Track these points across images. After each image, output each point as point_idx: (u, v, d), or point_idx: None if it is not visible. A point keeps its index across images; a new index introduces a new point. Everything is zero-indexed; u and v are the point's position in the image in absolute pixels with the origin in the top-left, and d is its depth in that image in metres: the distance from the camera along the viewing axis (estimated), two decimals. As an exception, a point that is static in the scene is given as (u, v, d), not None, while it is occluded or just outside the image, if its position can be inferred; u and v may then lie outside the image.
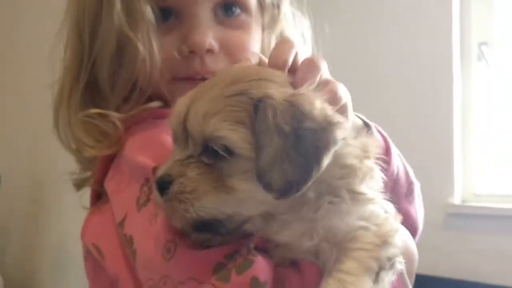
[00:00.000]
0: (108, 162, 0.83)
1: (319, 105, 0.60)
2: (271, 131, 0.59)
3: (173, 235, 0.66)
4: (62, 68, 0.89)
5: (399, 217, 0.70)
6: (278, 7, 0.91)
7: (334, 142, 0.59)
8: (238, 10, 0.86)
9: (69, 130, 0.86)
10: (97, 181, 0.84)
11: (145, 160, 0.75)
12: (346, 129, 0.61)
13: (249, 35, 0.87)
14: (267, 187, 0.59)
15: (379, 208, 0.66)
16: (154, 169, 0.71)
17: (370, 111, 0.85)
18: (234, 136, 0.60)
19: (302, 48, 0.91)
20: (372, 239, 0.64)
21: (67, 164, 0.92)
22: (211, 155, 0.61)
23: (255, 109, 0.60)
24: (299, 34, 0.95)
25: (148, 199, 0.72)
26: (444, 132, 2.30)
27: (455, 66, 2.31)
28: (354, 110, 0.71)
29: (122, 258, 0.76)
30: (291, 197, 0.60)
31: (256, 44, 0.89)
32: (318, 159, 0.59)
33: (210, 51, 0.82)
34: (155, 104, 0.84)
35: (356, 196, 0.64)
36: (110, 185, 0.81)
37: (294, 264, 0.65)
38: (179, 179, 0.61)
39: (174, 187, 0.61)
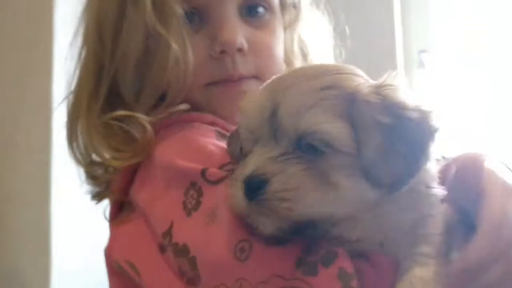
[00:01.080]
0: (132, 170, 0.76)
1: (409, 96, 0.61)
2: (371, 124, 0.58)
3: (245, 234, 0.63)
4: (77, 77, 0.82)
5: None
6: (298, 6, 0.91)
7: (436, 130, 0.60)
8: (262, 10, 0.84)
9: (89, 141, 0.79)
10: (121, 190, 0.77)
11: (186, 163, 0.71)
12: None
13: (274, 35, 0.85)
14: (376, 182, 0.58)
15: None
16: (203, 171, 0.69)
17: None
18: (334, 130, 0.58)
19: (322, 50, 0.96)
20: (441, 224, 0.63)
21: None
22: (307, 151, 0.58)
23: (349, 102, 0.59)
24: (319, 34, 0.96)
25: (198, 202, 0.69)
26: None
27: (399, 73, 2.35)
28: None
29: (163, 273, 0.70)
30: (401, 190, 0.59)
31: (280, 44, 0.87)
32: (424, 149, 0.59)
33: (240, 50, 0.80)
34: (183, 106, 0.79)
35: (428, 190, 0.64)
36: (141, 196, 0.75)
37: (363, 256, 0.62)
38: (276, 176, 0.57)
39: (273, 185, 0.57)
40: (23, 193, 2.01)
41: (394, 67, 2.37)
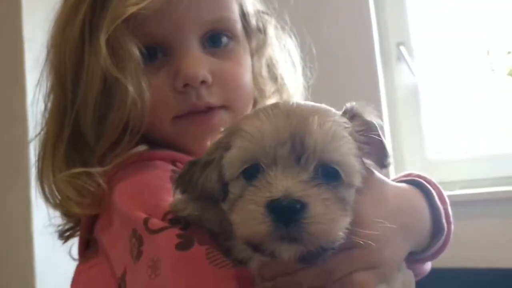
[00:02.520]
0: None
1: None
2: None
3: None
4: (45, 119, 0.84)
5: None
6: (264, 31, 0.91)
7: None
8: (225, 39, 0.84)
9: (53, 187, 0.81)
10: (85, 229, 0.79)
11: (133, 209, 0.71)
12: None
13: (240, 64, 0.85)
14: None
15: None
16: (146, 220, 0.69)
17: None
18: (357, 164, 0.61)
19: (292, 74, 0.96)
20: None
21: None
22: (325, 177, 0.59)
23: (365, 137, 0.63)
24: (287, 57, 0.96)
25: (139, 252, 0.69)
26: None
27: (378, 67, 2.34)
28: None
29: None
30: None
31: (247, 71, 0.87)
32: None
33: (204, 82, 0.80)
34: (142, 148, 0.79)
35: None
36: (103, 236, 0.76)
37: None
38: (315, 200, 0.57)
39: (315, 209, 0.56)
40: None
41: (372, 60, 2.37)
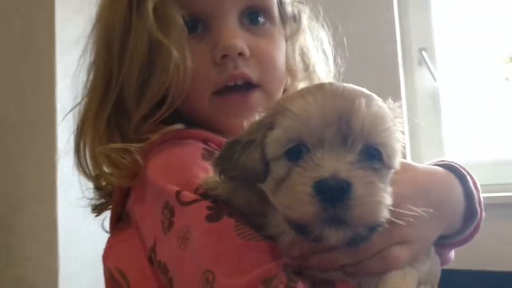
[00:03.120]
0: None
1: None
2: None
3: (210, 262, 0.64)
4: (87, 90, 0.86)
5: None
6: (299, 19, 0.93)
7: None
8: (263, 19, 0.86)
9: (92, 158, 0.84)
10: (118, 202, 0.81)
11: (165, 182, 0.73)
12: None
13: (275, 44, 0.87)
14: None
15: None
16: (178, 192, 0.70)
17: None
18: (399, 147, 0.62)
19: (323, 63, 0.99)
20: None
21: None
22: (369, 159, 0.59)
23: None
24: (319, 46, 0.98)
25: (170, 223, 0.70)
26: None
27: (400, 71, 2.36)
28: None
29: (149, 283, 0.72)
30: None
31: (282, 54, 0.89)
32: None
33: (241, 54, 0.82)
34: (178, 126, 0.81)
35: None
36: (135, 209, 0.78)
37: (329, 284, 0.63)
38: (361, 181, 0.57)
39: (361, 190, 0.56)
40: (31, 202, 2.04)
41: (394, 64, 2.39)
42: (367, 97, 0.62)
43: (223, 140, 0.78)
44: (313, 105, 0.60)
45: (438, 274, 0.76)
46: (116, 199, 0.83)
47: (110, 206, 0.86)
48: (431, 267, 0.72)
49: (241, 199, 0.69)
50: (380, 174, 0.60)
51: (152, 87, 0.81)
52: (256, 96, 0.85)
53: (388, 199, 0.59)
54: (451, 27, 2.32)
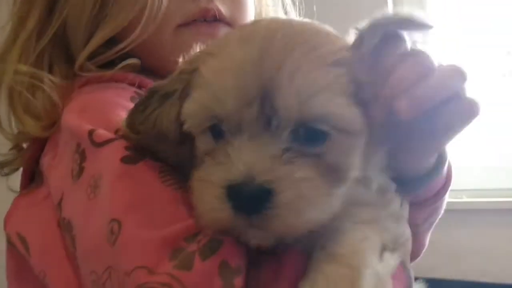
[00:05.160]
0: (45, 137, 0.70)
1: None
2: None
3: (119, 210, 0.52)
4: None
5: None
6: None
7: None
8: None
9: (10, 98, 0.72)
10: (31, 158, 0.70)
11: (79, 123, 0.62)
12: None
13: None
14: None
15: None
16: (91, 132, 0.59)
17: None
18: (348, 110, 0.48)
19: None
20: (379, 210, 0.54)
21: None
22: (306, 139, 0.48)
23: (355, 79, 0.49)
24: None
25: (81, 169, 0.59)
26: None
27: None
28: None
29: (55, 251, 0.60)
30: None
31: None
32: None
33: None
34: (134, 60, 0.72)
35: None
36: (45, 162, 0.68)
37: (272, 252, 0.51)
38: (286, 183, 0.45)
39: (285, 195, 0.45)
40: None
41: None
42: (304, 49, 0.49)
43: None
44: (230, 72, 0.48)
45: (409, 248, 0.64)
46: (30, 152, 0.72)
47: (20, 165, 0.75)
48: (400, 235, 0.59)
49: (168, 147, 0.57)
50: (325, 159, 0.48)
51: (111, 18, 0.71)
52: (224, 30, 0.77)
53: (331, 198, 0.48)
54: (446, 27, 2.25)
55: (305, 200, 0.46)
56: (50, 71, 0.72)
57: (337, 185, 0.49)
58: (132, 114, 0.57)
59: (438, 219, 0.69)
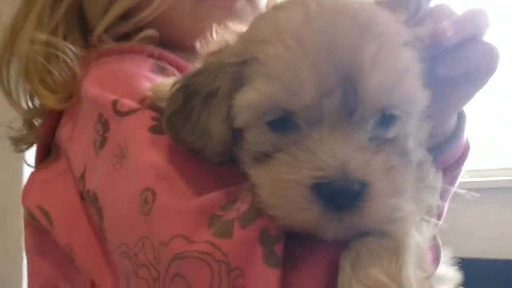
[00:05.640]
0: (61, 111, 0.68)
1: None
2: None
3: (151, 180, 0.50)
4: None
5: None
6: None
7: None
8: None
9: (25, 71, 0.69)
10: (47, 132, 0.68)
11: (100, 92, 0.60)
12: None
13: None
14: None
15: None
16: (115, 102, 0.58)
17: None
18: (420, 95, 0.47)
19: None
20: (418, 183, 0.51)
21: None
22: (383, 125, 0.46)
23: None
24: None
25: (104, 139, 0.57)
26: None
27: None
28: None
29: (80, 224, 0.58)
30: None
31: None
32: None
33: None
34: (151, 32, 0.71)
35: None
36: (62, 134, 0.66)
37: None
38: (378, 174, 0.43)
39: (380, 186, 0.43)
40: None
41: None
42: (378, 31, 0.46)
43: (177, 59, 0.67)
44: (301, 59, 0.43)
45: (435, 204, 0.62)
46: (45, 126, 0.70)
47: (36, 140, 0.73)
48: (434, 206, 0.57)
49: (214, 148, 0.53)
50: (400, 143, 0.47)
51: None
52: (242, 4, 0.75)
53: (410, 177, 0.46)
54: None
55: (396, 190, 0.45)
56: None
57: (410, 169, 0.48)
58: (174, 125, 0.52)
59: (454, 190, 0.65)
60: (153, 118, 0.56)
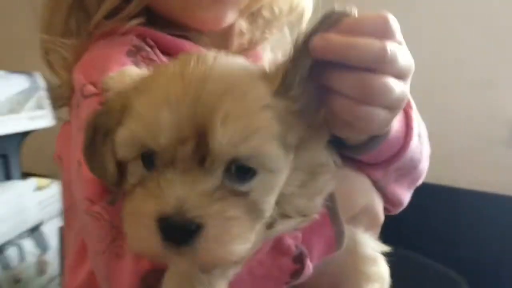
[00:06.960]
0: None
1: None
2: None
3: (79, 154, 0.59)
4: None
5: None
6: None
7: None
8: None
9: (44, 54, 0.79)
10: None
11: (81, 76, 0.69)
12: None
13: None
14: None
15: None
16: (83, 87, 0.67)
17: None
18: (274, 150, 0.51)
19: None
20: None
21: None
22: (234, 176, 0.50)
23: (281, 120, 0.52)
24: None
25: (78, 117, 0.67)
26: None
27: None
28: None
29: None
30: None
31: None
32: None
33: None
34: (137, 21, 0.74)
35: None
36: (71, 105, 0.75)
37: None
38: (215, 220, 0.48)
39: (213, 231, 0.47)
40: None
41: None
42: (238, 93, 0.50)
43: (166, 37, 0.74)
44: (163, 106, 0.49)
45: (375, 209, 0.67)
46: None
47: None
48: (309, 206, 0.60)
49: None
50: (250, 197, 0.51)
51: None
52: None
53: (250, 235, 0.50)
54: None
55: (231, 237, 0.49)
56: (78, 33, 0.77)
57: (257, 222, 0.52)
58: (87, 156, 0.58)
59: (415, 167, 0.67)
60: (100, 103, 0.61)
